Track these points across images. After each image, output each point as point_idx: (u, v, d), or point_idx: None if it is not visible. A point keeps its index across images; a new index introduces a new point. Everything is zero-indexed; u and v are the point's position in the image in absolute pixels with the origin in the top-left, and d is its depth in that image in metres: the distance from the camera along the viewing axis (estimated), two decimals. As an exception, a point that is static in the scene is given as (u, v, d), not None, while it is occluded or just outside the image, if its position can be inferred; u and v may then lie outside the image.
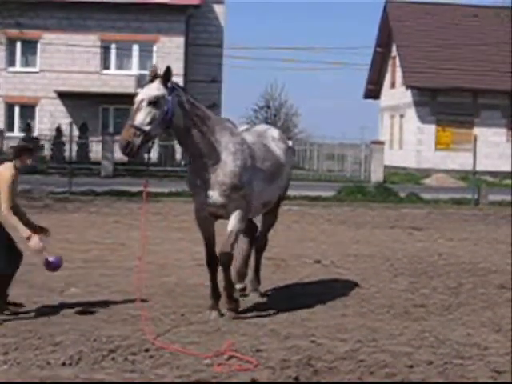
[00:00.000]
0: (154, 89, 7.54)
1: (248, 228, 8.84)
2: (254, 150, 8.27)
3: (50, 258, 7.88)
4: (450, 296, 9.74)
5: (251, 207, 8.24)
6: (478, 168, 30.48)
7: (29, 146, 8.01)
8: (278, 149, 8.76)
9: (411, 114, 42.42)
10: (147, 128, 7.44)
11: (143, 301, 8.15)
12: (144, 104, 7.46)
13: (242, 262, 9.16)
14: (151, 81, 7.63)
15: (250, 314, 8.27)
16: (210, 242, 8.27)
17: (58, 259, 7.96)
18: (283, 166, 8.80)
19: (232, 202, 7.93)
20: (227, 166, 7.88)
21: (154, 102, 7.47)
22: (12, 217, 7.59)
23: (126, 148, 7.38)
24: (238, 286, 9.19)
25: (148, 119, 7.45)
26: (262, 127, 9.31)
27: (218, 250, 8.18)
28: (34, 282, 9.61)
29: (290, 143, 35.92)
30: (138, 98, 7.54)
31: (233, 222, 8.05)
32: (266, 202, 8.62)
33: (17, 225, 7.62)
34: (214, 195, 7.90)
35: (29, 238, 7.59)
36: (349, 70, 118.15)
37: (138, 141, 7.38)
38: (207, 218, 8.20)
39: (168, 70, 7.59)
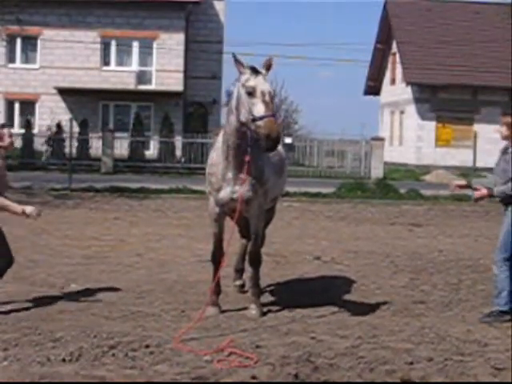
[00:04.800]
0: (269, 81, 7.42)
1: (245, 224, 8.83)
2: None
3: None
4: (450, 292, 9.74)
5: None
6: (478, 164, 30.42)
7: None
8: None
9: (411, 110, 42.41)
10: None
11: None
12: (271, 95, 7.33)
13: (239, 259, 9.18)
14: (257, 72, 7.37)
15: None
16: (219, 238, 8.23)
17: None
18: (285, 160, 8.83)
19: (257, 197, 7.90)
20: (257, 161, 7.80)
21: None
22: None
23: (280, 139, 7.20)
24: (237, 283, 9.20)
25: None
26: None
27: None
28: (35, 279, 9.61)
29: (290, 140, 36.00)
30: (266, 89, 7.25)
31: (255, 222, 8.10)
32: (273, 197, 8.63)
33: (6, 203, 7.51)
34: (242, 190, 7.81)
35: (23, 212, 7.49)
36: (349, 67, 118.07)
37: None
38: (223, 214, 8.15)
39: (271, 62, 7.51)
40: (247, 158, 7.63)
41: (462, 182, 9.06)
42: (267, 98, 7.21)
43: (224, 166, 7.82)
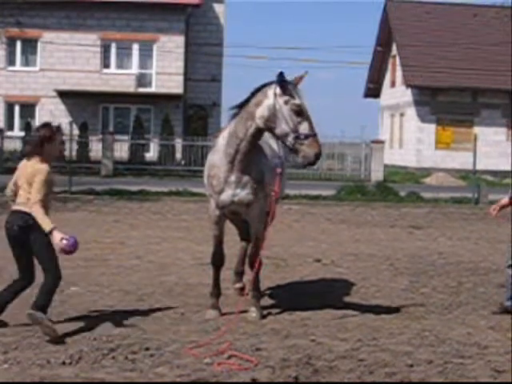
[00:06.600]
0: None
1: (244, 227, 8.82)
2: (264, 147, 8.26)
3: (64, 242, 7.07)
4: (450, 295, 9.74)
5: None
6: (478, 167, 30.44)
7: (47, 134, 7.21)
8: (276, 146, 8.75)
9: (411, 112, 42.43)
10: None
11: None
12: None
13: (239, 261, 9.17)
14: (291, 89, 7.59)
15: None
16: (220, 241, 8.23)
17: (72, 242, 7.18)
18: (284, 162, 8.82)
19: (257, 200, 7.91)
20: (258, 164, 7.87)
21: None
22: (39, 209, 7.02)
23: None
24: (237, 286, 9.20)
25: None
26: None
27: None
28: (34, 281, 9.58)
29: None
30: (306, 107, 7.56)
31: (256, 225, 8.11)
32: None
33: (42, 218, 7.03)
34: (243, 193, 7.83)
35: (51, 233, 7.02)
36: (349, 69, 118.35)
37: None
38: (223, 217, 8.15)
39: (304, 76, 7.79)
40: (279, 171, 7.94)
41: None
42: (310, 115, 7.51)
43: (226, 169, 7.83)
